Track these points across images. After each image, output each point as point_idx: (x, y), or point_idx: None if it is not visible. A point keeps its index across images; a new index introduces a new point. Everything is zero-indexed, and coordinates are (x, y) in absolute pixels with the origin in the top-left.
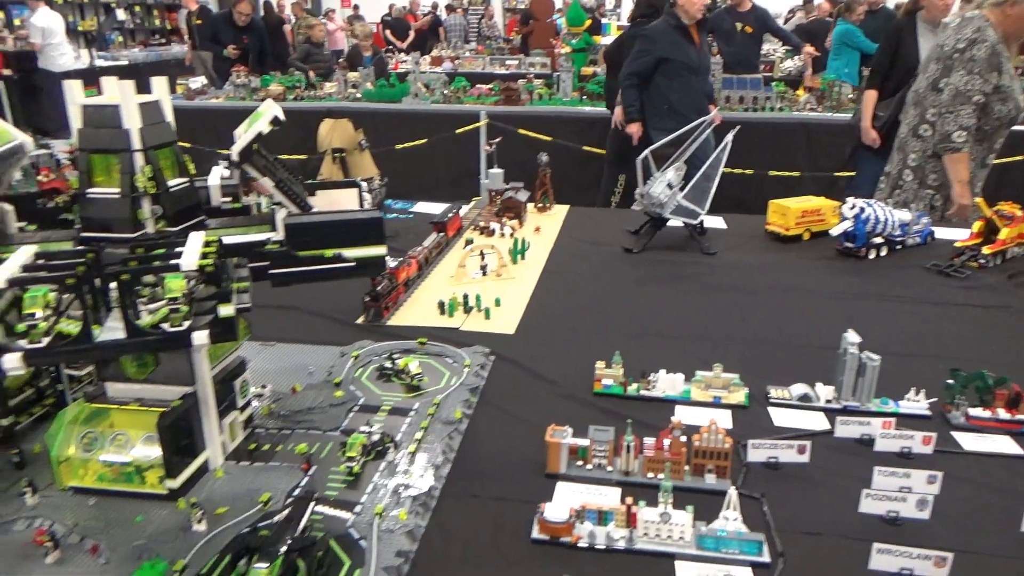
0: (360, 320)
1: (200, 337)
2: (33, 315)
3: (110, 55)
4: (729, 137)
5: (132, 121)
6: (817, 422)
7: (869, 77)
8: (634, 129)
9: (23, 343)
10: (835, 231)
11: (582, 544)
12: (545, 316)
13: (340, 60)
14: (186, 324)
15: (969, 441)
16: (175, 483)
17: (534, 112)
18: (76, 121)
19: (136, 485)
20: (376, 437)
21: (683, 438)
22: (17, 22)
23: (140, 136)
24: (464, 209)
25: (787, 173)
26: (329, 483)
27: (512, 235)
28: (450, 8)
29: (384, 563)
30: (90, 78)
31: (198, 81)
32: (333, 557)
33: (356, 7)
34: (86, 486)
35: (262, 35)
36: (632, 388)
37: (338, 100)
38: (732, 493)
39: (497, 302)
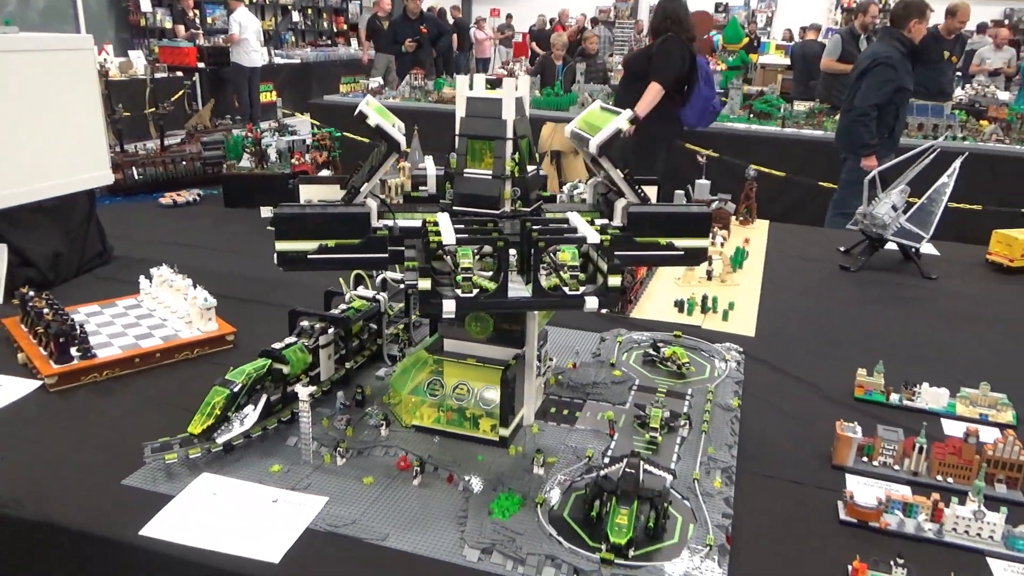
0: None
1: (592, 302)
2: (469, 270)
3: (284, 53)
4: (957, 164)
5: (509, 113)
6: None
7: None
8: (875, 163)
9: (458, 292)
10: None
11: (891, 530)
12: (781, 323)
13: (516, 68)
14: (582, 289)
15: None
16: (506, 432)
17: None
18: (460, 111)
19: (469, 429)
20: (667, 414)
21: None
22: (210, 20)
23: (513, 127)
24: None
25: (967, 206)
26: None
27: (723, 244)
28: (595, 21)
29: (715, 521)
30: (269, 74)
31: (376, 81)
32: (668, 510)
33: (509, 16)
34: (426, 425)
35: (438, 24)
36: (894, 397)
37: None
38: None
39: (731, 305)
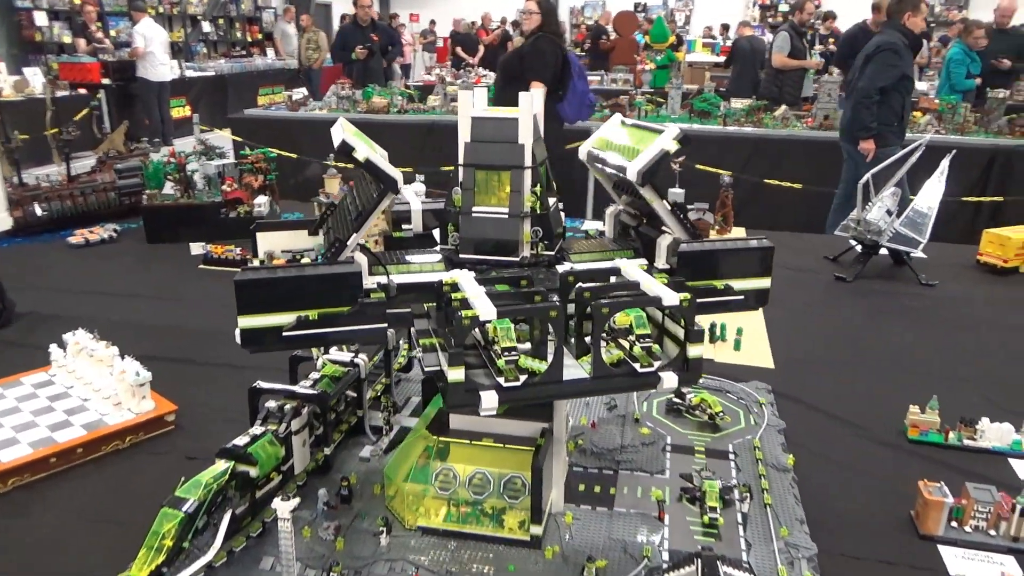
0: None
1: (670, 379)
2: (513, 350)
3: (196, 65)
4: (945, 162)
5: (527, 135)
6: None
7: None
8: (872, 146)
9: (499, 380)
10: None
11: None
12: (796, 348)
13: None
14: (656, 365)
15: None
16: (539, 529)
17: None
18: (465, 134)
19: (490, 528)
20: (720, 484)
21: None
22: (114, 33)
23: (531, 152)
24: None
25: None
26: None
27: None
28: (515, 24)
29: None
30: (181, 88)
31: (300, 92)
32: None
33: (433, 22)
34: (435, 526)
35: (389, 32)
36: (953, 437)
37: (441, 113)
38: None
39: (740, 331)
